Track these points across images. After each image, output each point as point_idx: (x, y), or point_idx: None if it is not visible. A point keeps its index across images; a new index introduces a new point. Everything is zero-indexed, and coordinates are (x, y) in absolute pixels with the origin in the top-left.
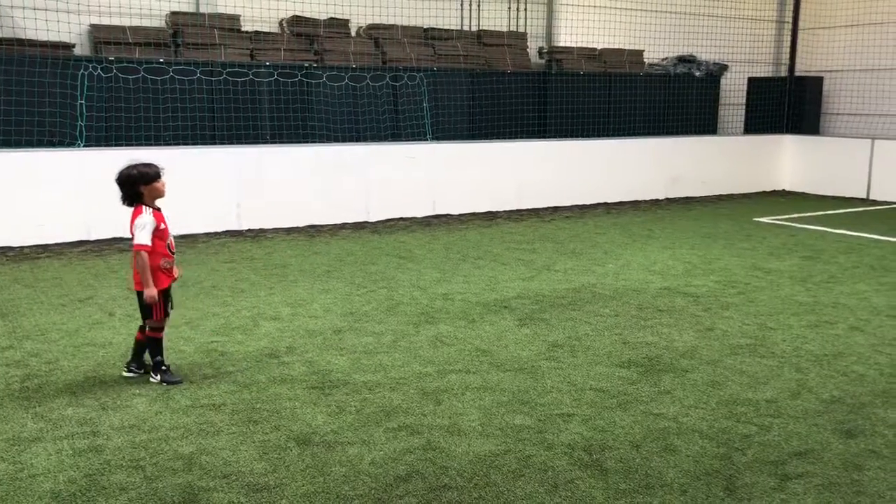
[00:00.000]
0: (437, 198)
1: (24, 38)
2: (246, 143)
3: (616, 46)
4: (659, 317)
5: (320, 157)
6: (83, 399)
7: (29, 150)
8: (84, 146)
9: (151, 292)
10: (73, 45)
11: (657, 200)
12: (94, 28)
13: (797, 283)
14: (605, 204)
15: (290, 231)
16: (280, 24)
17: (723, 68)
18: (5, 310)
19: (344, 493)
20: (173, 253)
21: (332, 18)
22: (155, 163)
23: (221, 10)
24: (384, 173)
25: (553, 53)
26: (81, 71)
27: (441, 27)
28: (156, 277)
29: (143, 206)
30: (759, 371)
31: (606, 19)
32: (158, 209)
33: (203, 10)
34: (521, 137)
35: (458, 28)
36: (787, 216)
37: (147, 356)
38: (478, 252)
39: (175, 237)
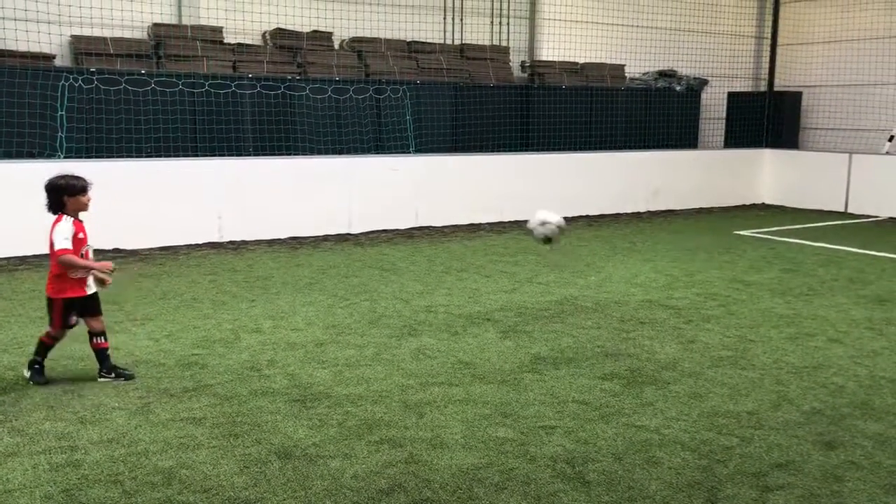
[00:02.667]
0: (420, 210)
1: (4, 48)
2: (228, 155)
3: (597, 61)
4: (641, 329)
5: (303, 168)
6: (61, 413)
7: (8, 161)
8: (64, 157)
9: (104, 265)
10: (54, 56)
11: (638, 213)
12: (75, 39)
13: (777, 296)
14: (587, 216)
15: (272, 243)
16: (263, 36)
17: (703, 83)
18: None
19: None
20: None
21: (315, 31)
22: (85, 178)
23: (204, 21)
24: (367, 185)
25: (535, 67)
26: (62, 82)
27: (424, 41)
28: (67, 286)
29: (64, 216)
30: (739, 383)
31: (588, 34)
32: (80, 221)
33: (185, 21)
34: (504, 150)
35: (442, 42)
36: (766, 229)
37: (112, 361)
38: (461, 264)
39: (156, 249)
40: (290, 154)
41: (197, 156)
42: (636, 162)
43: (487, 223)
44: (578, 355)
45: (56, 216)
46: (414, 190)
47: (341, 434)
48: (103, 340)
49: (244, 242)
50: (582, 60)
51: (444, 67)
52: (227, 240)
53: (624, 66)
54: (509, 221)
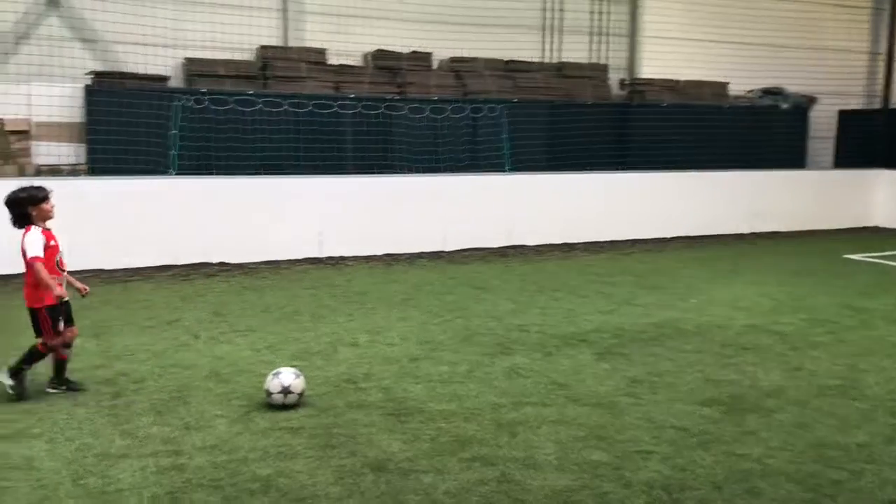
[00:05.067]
0: (513, 228)
1: (124, 70)
2: (329, 174)
3: (699, 78)
4: (743, 355)
5: (399, 187)
6: (168, 418)
7: (124, 177)
8: (176, 174)
9: (57, 292)
10: (169, 78)
11: (741, 235)
12: (188, 61)
13: (891, 324)
14: (687, 238)
15: (368, 259)
16: (364, 57)
17: (811, 100)
18: (98, 330)
19: None
20: (63, 271)
21: (414, 52)
22: (44, 186)
23: (309, 43)
24: (461, 203)
25: (634, 85)
26: (175, 102)
27: (522, 59)
28: (43, 293)
29: (32, 227)
30: (850, 414)
31: (690, 51)
32: (48, 229)
33: (291, 43)
34: (601, 169)
35: (539, 60)
36: (880, 253)
37: (67, 375)
38: (555, 284)
39: (260, 263)
40: (387, 172)
41: (299, 174)
42: (739, 182)
43: (582, 243)
44: (677, 380)
45: (24, 228)
46: (508, 208)
47: (434, 449)
48: (68, 353)
49: (342, 258)
50: (683, 78)
51: (541, 86)
52: (327, 255)
53: (727, 83)
54: (606, 241)
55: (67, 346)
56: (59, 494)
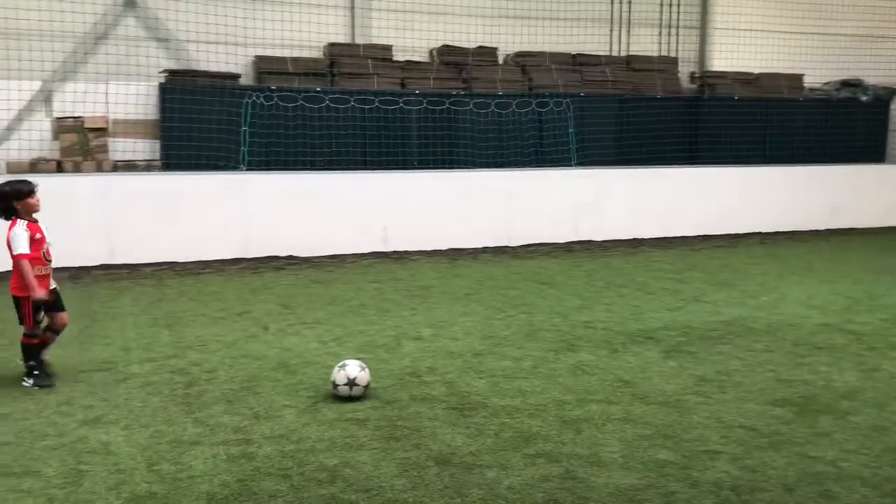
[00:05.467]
0: (579, 224)
1: (196, 69)
2: (394, 169)
3: (774, 70)
4: (817, 354)
5: (464, 182)
6: (238, 407)
7: (196, 173)
8: (246, 170)
9: (37, 295)
10: (240, 76)
11: (817, 231)
12: (259, 59)
13: None
14: (760, 234)
15: (432, 254)
16: (430, 53)
17: (892, 92)
18: (172, 321)
19: None
20: (48, 261)
21: (480, 47)
22: (30, 180)
23: (375, 40)
24: (526, 198)
25: (705, 78)
26: (246, 99)
27: (590, 53)
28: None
29: (18, 220)
30: None
31: (764, 43)
32: (35, 221)
33: (358, 40)
34: (670, 164)
35: (607, 54)
36: None
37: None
38: (622, 280)
39: (326, 257)
40: (452, 167)
41: (365, 169)
42: (815, 177)
43: (650, 238)
44: (747, 379)
45: (10, 221)
46: (574, 203)
47: (498, 445)
48: (52, 336)
49: (407, 252)
50: (757, 70)
51: (609, 79)
52: (392, 250)
53: (802, 75)
54: (675, 237)
55: (57, 331)
56: (135, 479)
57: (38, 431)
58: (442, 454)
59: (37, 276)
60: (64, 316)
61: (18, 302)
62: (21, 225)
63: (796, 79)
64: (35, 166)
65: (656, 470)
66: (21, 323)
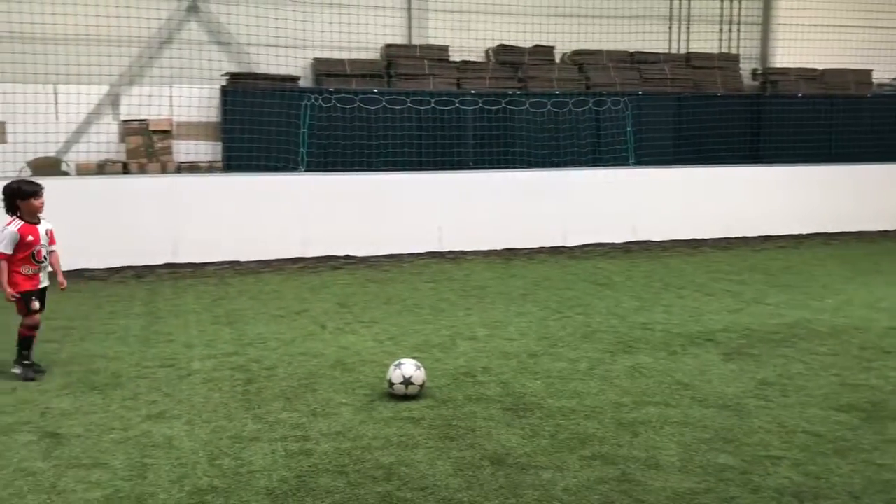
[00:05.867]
0: (638, 224)
1: (257, 72)
2: (450, 169)
3: (840, 66)
4: (885, 358)
5: (520, 182)
6: (296, 404)
7: (256, 174)
8: (304, 171)
9: (7, 291)
10: (298, 78)
11: (885, 232)
12: (317, 61)
13: None
14: (824, 234)
15: (488, 254)
16: (486, 52)
17: None
18: (233, 318)
19: None
20: (38, 262)
21: (537, 46)
22: (38, 183)
23: (432, 41)
24: (583, 198)
25: (768, 75)
26: (305, 101)
27: (648, 51)
28: (15, 280)
29: (15, 219)
30: None
31: (829, 38)
32: (35, 223)
33: (415, 41)
34: (731, 162)
35: (666, 51)
36: None
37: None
38: (681, 281)
39: (382, 256)
40: (508, 167)
41: (421, 169)
42: (884, 176)
43: (711, 239)
44: (810, 383)
45: (9, 219)
46: (632, 203)
47: (553, 446)
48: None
49: (462, 253)
50: (822, 66)
51: (667, 77)
52: (447, 249)
53: (871, 70)
54: (735, 237)
55: (33, 327)
56: (197, 473)
57: (105, 425)
58: (497, 454)
59: (25, 275)
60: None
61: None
62: (14, 225)
63: (864, 74)
64: (102, 168)
65: (715, 474)
66: (20, 313)
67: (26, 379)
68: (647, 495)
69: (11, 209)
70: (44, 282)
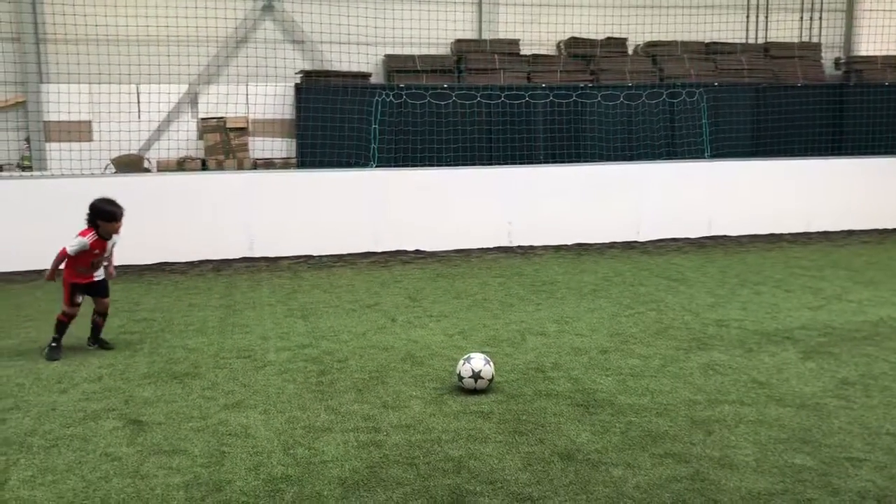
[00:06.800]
0: (713, 218)
1: (329, 69)
2: (520, 163)
3: None
4: None
5: (591, 176)
6: (367, 396)
7: (330, 170)
8: (376, 167)
9: (49, 277)
10: (370, 75)
11: None
12: (388, 58)
13: None
14: None
15: (558, 249)
16: (557, 46)
17: None
18: (307, 311)
19: None
20: (93, 267)
21: (609, 38)
22: (121, 208)
23: (502, 35)
24: (657, 192)
25: (852, 64)
26: (376, 98)
27: (724, 41)
28: (67, 273)
29: (92, 233)
30: None
31: None
32: (105, 240)
33: (485, 36)
34: (812, 155)
35: (744, 41)
36: None
37: (102, 335)
38: (758, 277)
39: (452, 251)
40: (579, 161)
41: (492, 164)
42: None
43: (790, 234)
44: (895, 384)
45: (86, 230)
46: (708, 197)
47: (624, 443)
48: (101, 320)
49: (532, 247)
50: None
51: (745, 68)
52: (517, 244)
53: None
54: (816, 232)
55: (101, 314)
56: (272, 461)
57: (185, 414)
58: (567, 450)
59: (78, 272)
60: (106, 301)
61: (64, 284)
62: (89, 238)
63: None
64: (182, 164)
65: (792, 475)
66: (63, 302)
67: (51, 359)
68: (721, 495)
69: (90, 224)
70: (98, 276)
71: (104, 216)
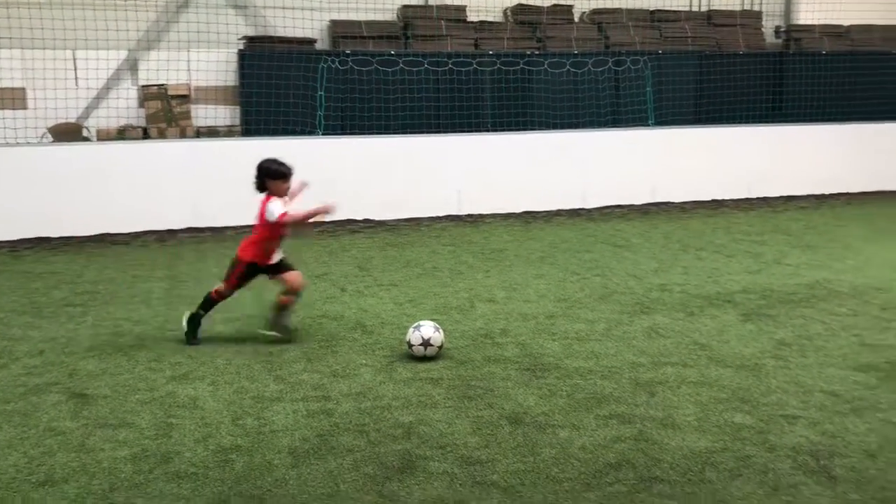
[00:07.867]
0: (657, 185)
1: (273, 35)
2: (468, 132)
3: (867, 22)
4: None
5: (538, 144)
6: (317, 366)
7: (274, 138)
8: (322, 134)
9: (323, 208)
10: (315, 41)
11: None
12: (334, 23)
13: None
14: (847, 194)
15: (506, 217)
16: (504, 12)
17: None
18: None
19: (553, 474)
20: (282, 241)
21: (555, 5)
22: (288, 166)
23: (449, 1)
24: (602, 159)
25: (791, 32)
26: (321, 64)
27: (669, 8)
28: (257, 253)
29: (273, 198)
30: None
31: None
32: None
33: (432, 2)
34: (753, 122)
35: (687, 9)
36: None
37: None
38: (700, 242)
39: (401, 220)
40: (526, 129)
41: (439, 132)
42: None
43: (731, 199)
44: (829, 344)
45: (266, 196)
46: (652, 164)
47: (570, 405)
48: (287, 298)
49: (481, 216)
50: (847, 23)
51: (688, 36)
52: (466, 213)
53: None
54: (756, 198)
55: (294, 292)
56: (221, 432)
57: (131, 386)
58: (515, 413)
59: (265, 249)
60: (294, 276)
61: (236, 264)
62: (277, 202)
63: (891, 30)
64: (122, 133)
65: (732, 433)
66: (225, 279)
67: (189, 343)
68: (664, 454)
69: (261, 187)
70: (277, 257)
71: (270, 174)
